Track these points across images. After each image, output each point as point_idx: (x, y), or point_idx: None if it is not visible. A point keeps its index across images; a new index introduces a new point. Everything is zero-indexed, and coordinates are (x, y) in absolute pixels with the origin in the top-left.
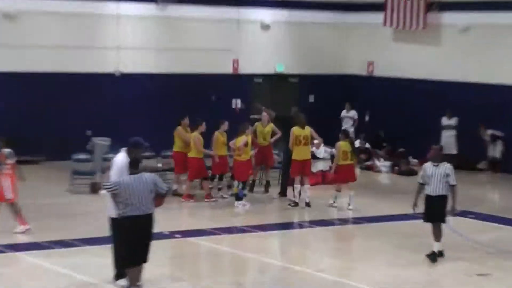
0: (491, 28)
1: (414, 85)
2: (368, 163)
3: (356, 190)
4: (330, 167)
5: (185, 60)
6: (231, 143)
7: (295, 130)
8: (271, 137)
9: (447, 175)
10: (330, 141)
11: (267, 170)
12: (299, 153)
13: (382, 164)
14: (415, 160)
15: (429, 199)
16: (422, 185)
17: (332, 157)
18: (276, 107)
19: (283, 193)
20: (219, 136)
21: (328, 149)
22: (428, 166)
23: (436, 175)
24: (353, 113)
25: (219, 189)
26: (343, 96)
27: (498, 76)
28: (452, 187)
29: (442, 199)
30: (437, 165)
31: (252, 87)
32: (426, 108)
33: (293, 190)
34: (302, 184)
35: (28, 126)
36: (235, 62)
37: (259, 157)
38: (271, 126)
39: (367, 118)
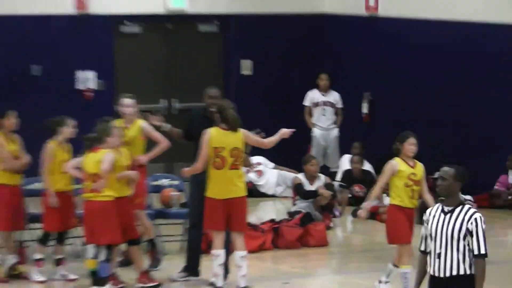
0: None
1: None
2: (370, 203)
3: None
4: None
5: None
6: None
7: (213, 135)
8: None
9: (468, 232)
10: (291, 156)
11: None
12: (218, 185)
13: None
14: (468, 198)
15: (434, 283)
16: (424, 255)
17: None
18: (171, 90)
19: (191, 269)
20: (56, 148)
21: (292, 175)
22: (433, 211)
23: (444, 230)
24: (334, 97)
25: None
26: (313, 63)
27: None
28: (477, 260)
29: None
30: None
31: (116, 42)
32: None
33: (214, 262)
34: (231, 249)
35: None
36: None
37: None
38: (138, 129)
39: (365, 107)
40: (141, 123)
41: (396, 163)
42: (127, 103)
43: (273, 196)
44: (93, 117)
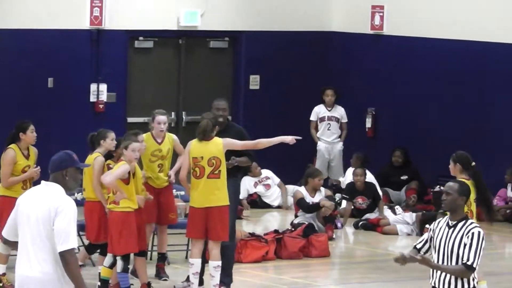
0: None
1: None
2: (372, 216)
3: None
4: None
5: None
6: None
7: (193, 146)
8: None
9: (464, 246)
10: (294, 168)
11: (162, 231)
12: (197, 194)
13: (399, 218)
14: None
15: None
16: (415, 250)
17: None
18: (181, 104)
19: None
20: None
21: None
22: (441, 223)
23: (446, 243)
24: (340, 112)
25: None
26: (319, 78)
27: None
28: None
29: None
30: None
31: (130, 57)
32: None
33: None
34: (207, 258)
35: None
36: (95, 9)
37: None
38: (171, 143)
39: (368, 121)
40: (173, 136)
41: None
42: (162, 120)
43: (278, 207)
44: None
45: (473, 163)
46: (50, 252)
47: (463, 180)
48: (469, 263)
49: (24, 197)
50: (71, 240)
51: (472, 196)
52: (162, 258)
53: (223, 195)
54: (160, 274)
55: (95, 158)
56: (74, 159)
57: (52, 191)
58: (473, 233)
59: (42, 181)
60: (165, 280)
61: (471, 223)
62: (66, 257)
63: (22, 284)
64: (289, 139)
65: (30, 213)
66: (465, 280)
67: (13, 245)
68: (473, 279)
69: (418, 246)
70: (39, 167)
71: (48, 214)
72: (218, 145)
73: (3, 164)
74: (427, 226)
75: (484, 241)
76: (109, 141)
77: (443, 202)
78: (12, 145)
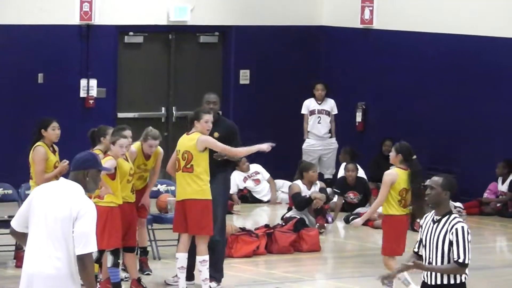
0: None
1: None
2: (363, 210)
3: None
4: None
5: None
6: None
7: (180, 139)
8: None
9: (450, 243)
10: (285, 163)
11: (142, 224)
12: (178, 186)
13: None
14: (458, 205)
15: None
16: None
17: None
18: (171, 99)
19: (186, 272)
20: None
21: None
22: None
23: (432, 239)
24: (330, 105)
25: None
26: (309, 73)
27: None
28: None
29: None
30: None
31: (120, 52)
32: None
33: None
34: (194, 253)
35: None
36: (85, 4)
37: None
38: (155, 157)
39: (358, 115)
40: (160, 150)
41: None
42: (154, 144)
43: (268, 202)
44: (95, 125)
45: (414, 156)
46: (65, 250)
47: (398, 169)
48: (460, 260)
49: (40, 193)
50: (91, 244)
51: (408, 185)
52: (144, 252)
53: (198, 188)
54: (143, 268)
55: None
56: (98, 161)
57: (73, 191)
58: (457, 229)
59: (61, 178)
60: (148, 274)
61: (454, 218)
62: (84, 261)
63: (32, 280)
64: (265, 147)
65: (48, 211)
66: (451, 276)
67: (20, 237)
68: (455, 276)
69: (416, 250)
70: (67, 161)
71: (69, 215)
72: (192, 140)
73: (35, 162)
74: (417, 220)
75: (469, 235)
76: (110, 138)
77: (427, 196)
78: (39, 143)
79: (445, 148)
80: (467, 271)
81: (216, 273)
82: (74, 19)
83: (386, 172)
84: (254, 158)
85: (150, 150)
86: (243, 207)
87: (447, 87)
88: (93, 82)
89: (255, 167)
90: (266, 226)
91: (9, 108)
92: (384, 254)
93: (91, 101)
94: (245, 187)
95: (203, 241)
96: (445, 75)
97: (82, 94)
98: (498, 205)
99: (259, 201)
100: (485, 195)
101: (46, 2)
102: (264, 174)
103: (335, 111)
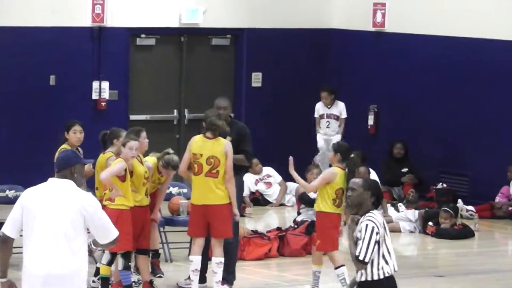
0: None
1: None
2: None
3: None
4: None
5: None
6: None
7: (194, 141)
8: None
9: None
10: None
11: (154, 227)
12: (196, 190)
13: (402, 215)
14: (470, 208)
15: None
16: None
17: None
18: (183, 101)
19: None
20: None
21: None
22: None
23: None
24: (339, 109)
25: None
26: (321, 75)
27: None
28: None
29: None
30: None
31: (131, 54)
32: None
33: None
34: (210, 255)
35: None
36: (97, 6)
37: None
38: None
39: (370, 118)
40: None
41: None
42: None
43: (281, 205)
44: (107, 127)
45: (352, 155)
46: (74, 248)
47: (339, 168)
48: (360, 258)
49: (34, 195)
50: (112, 232)
51: (345, 185)
52: (156, 254)
53: (222, 194)
54: (155, 271)
55: (108, 157)
56: (79, 156)
57: (70, 189)
58: (361, 227)
59: (50, 178)
60: (160, 277)
61: (368, 216)
62: (113, 242)
63: (49, 281)
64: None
65: (51, 211)
66: (364, 270)
67: (9, 245)
68: (379, 269)
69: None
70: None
71: (77, 214)
72: (220, 145)
73: None
74: (429, 223)
75: (372, 233)
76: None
77: (349, 198)
78: (64, 145)
79: (457, 151)
80: (388, 269)
81: (228, 275)
82: (86, 21)
83: (329, 169)
84: (266, 160)
85: (167, 174)
86: (255, 210)
87: (459, 90)
88: (105, 84)
89: (267, 170)
90: (278, 229)
91: (22, 110)
92: (318, 250)
93: (103, 103)
94: (257, 190)
95: (220, 243)
96: (457, 78)
97: (94, 96)
98: (510, 208)
99: (272, 204)
100: (497, 198)
101: (59, 4)
102: (276, 177)
103: (344, 115)
